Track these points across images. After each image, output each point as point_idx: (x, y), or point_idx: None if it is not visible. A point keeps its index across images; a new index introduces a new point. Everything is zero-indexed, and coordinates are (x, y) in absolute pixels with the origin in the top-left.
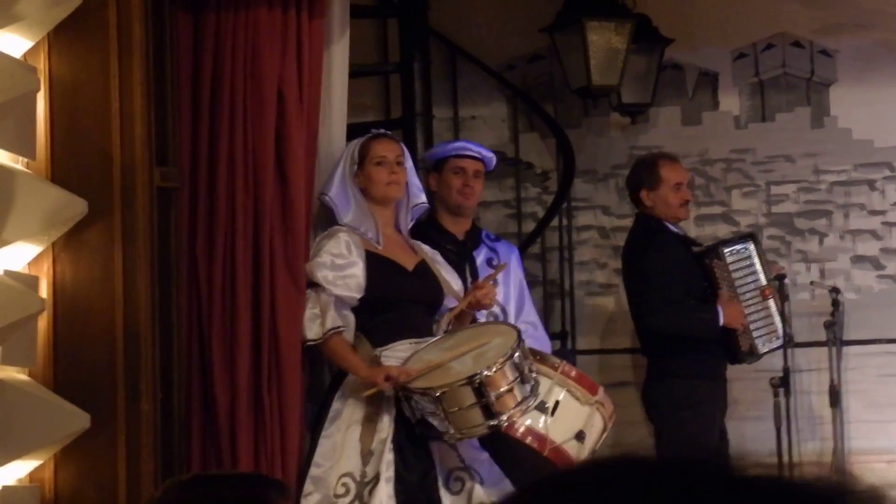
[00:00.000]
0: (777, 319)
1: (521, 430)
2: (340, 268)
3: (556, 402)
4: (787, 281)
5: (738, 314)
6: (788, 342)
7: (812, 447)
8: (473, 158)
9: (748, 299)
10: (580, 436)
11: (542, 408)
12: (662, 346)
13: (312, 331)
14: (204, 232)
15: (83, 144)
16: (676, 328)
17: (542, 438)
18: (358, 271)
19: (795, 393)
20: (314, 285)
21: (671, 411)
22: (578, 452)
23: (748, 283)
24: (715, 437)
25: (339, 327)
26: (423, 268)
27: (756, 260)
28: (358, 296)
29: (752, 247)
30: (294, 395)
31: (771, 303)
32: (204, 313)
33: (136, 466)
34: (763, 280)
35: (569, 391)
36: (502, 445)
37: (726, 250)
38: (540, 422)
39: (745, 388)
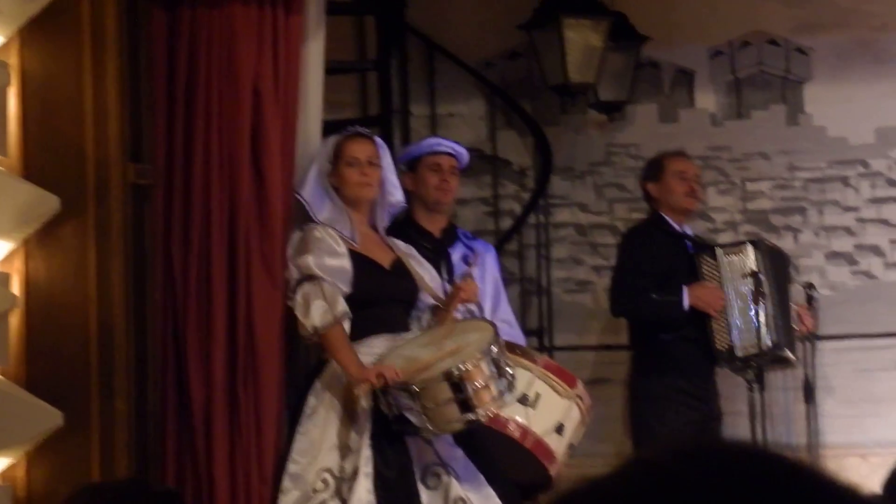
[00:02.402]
0: (764, 325)
1: (505, 421)
2: (333, 261)
3: (537, 395)
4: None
5: (709, 296)
6: (768, 354)
7: (787, 442)
8: (448, 155)
9: (737, 301)
10: (559, 428)
11: (523, 400)
12: (641, 341)
13: (320, 318)
14: (179, 229)
15: (56, 140)
16: (638, 314)
17: (524, 430)
18: (347, 265)
19: (770, 388)
20: (307, 279)
21: (635, 406)
22: (558, 445)
23: (738, 285)
24: (681, 433)
25: (349, 314)
26: (400, 265)
27: (750, 263)
28: (348, 290)
29: (750, 249)
30: (270, 391)
31: (760, 308)
32: (179, 310)
33: (109, 465)
34: (752, 285)
35: (549, 384)
36: (477, 442)
37: (720, 250)
38: (521, 414)
39: (720, 382)
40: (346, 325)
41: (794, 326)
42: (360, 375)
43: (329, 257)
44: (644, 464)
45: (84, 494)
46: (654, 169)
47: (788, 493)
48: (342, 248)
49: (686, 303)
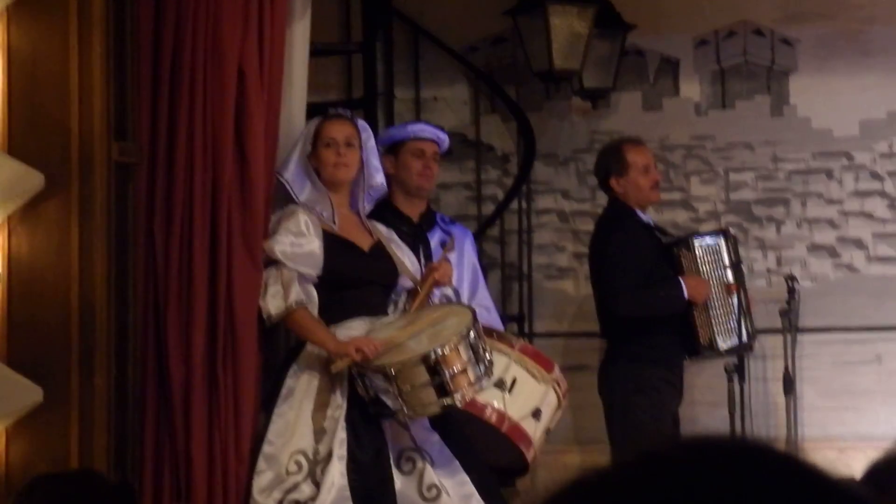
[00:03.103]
0: (742, 316)
1: (481, 405)
2: (300, 245)
3: (514, 380)
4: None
5: (701, 286)
6: (746, 344)
7: (766, 434)
8: (431, 141)
9: (715, 293)
10: (536, 413)
11: (500, 385)
12: (619, 330)
13: (275, 305)
14: (162, 208)
15: (41, 117)
16: (643, 310)
17: (500, 415)
18: (316, 248)
19: (750, 379)
20: (274, 263)
21: (622, 394)
22: (535, 430)
23: (714, 278)
24: (667, 423)
25: (302, 301)
26: (379, 248)
27: (725, 256)
28: (316, 273)
29: (722, 242)
30: (249, 372)
31: (735, 300)
32: (160, 289)
33: (88, 441)
34: (730, 277)
35: (526, 369)
36: (452, 426)
37: (696, 242)
38: (498, 399)
39: (700, 372)
40: (311, 309)
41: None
42: (339, 349)
43: (295, 241)
44: (653, 456)
45: (37, 485)
46: (617, 163)
47: (797, 489)
48: (312, 231)
49: (686, 294)
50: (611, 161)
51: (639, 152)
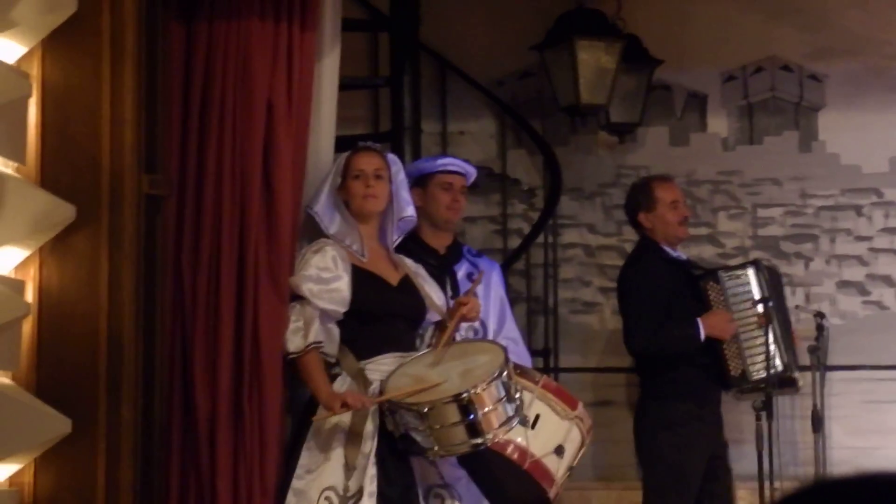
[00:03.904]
0: (774, 348)
1: (503, 442)
2: (326, 281)
3: (537, 416)
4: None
5: (724, 323)
6: (782, 375)
7: (794, 472)
8: (459, 174)
9: (745, 325)
10: (559, 450)
11: (523, 421)
12: (647, 366)
13: (294, 343)
14: (190, 240)
15: (73, 150)
16: (657, 348)
17: (522, 451)
18: (343, 285)
19: (778, 417)
20: (299, 298)
21: (650, 431)
22: (557, 467)
23: (745, 310)
24: (695, 460)
25: (319, 342)
26: (407, 282)
27: (755, 288)
28: (343, 310)
29: (752, 273)
30: (274, 405)
31: (768, 332)
32: (187, 321)
33: (115, 473)
34: (760, 309)
35: (549, 405)
36: (480, 464)
37: (724, 275)
38: (520, 435)
39: (728, 410)
40: (328, 349)
41: (794, 345)
42: (328, 401)
43: (323, 277)
44: (826, 487)
45: None
46: (645, 198)
47: None
48: (341, 267)
49: (703, 335)
50: (640, 197)
51: (667, 188)
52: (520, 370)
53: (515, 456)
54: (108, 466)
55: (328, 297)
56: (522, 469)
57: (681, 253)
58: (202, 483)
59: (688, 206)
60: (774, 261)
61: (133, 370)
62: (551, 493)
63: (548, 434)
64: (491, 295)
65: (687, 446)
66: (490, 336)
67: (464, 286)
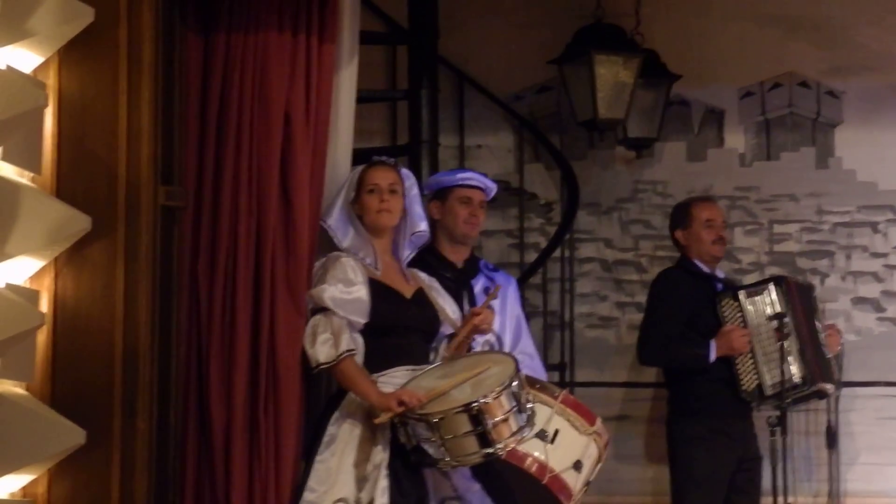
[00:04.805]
0: (790, 366)
1: (523, 456)
2: (348, 292)
3: (556, 431)
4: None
5: (734, 341)
6: (797, 389)
7: (808, 488)
8: (479, 188)
9: (763, 341)
10: (577, 465)
11: (542, 436)
12: (672, 382)
13: (325, 353)
14: (206, 252)
15: (89, 161)
16: (664, 363)
17: (542, 466)
18: (364, 295)
19: (792, 433)
20: (322, 310)
21: (678, 447)
22: (575, 482)
23: (761, 325)
24: (722, 475)
25: (352, 350)
26: (421, 296)
27: (773, 303)
28: (364, 320)
29: (772, 289)
30: (290, 417)
31: (787, 346)
32: (203, 333)
33: (129, 484)
34: (776, 324)
35: (568, 420)
36: (494, 476)
37: (741, 292)
38: (539, 449)
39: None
40: (358, 358)
41: (826, 355)
42: (382, 403)
43: (344, 288)
44: None
45: None
46: (683, 216)
47: None
48: (360, 278)
49: (713, 356)
50: (678, 214)
51: (704, 208)
52: (539, 385)
53: (534, 470)
54: (123, 478)
55: (351, 307)
56: (541, 483)
57: (719, 271)
58: (217, 495)
59: (725, 228)
60: (790, 277)
61: (148, 381)
62: None
63: (566, 449)
64: (507, 310)
65: (710, 461)
66: (505, 350)
67: (481, 300)
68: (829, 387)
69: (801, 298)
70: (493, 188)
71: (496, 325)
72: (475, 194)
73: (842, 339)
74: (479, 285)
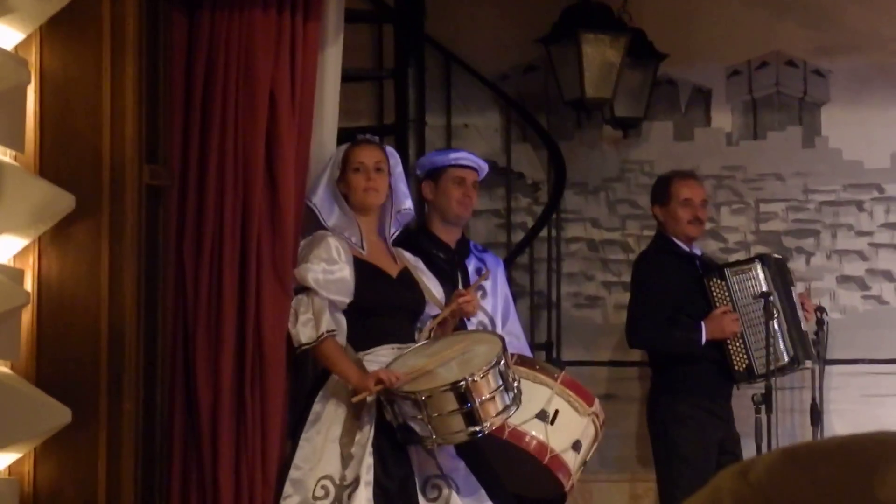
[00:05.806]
0: (780, 342)
1: (523, 436)
2: (332, 272)
3: (556, 412)
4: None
5: (724, 324)
6: (792, 366)
7: None
8: (472, 169)
9: (751, 321)
10: (576, 445)
11: (542, 416)
12: (657, 362)
13: (306, 334)
14: (192, 231)
15: (73, 139)
16: (656, 346)
17: (542, 446)
18: (347, 275)
19: (777, 411)
20: (305, 290)
21: (663, 426)
22: (574, 462)
23: (749, 305)
24: (710, 454)
25: (332, 331)
26: (407, 275)
27: (759, 282)
28: (348, 300)
29: (758, 267)
30: (277, 397)
31: (775, 324)
32: (189, 313)
33: (116, 464)
34: (764, 305)
35: (568, 401)
36: (479, 455)
37: (728, 271)
38: (540, 430)
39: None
40: (340, 339)
41: (805, 331)
42: (360, 383)
43: (327, 267)
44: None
45: None
46: (662, 192)
47: None
48: (344, 257)
49: (704, 339)
50: (657, 190)
51: (683, 185)
52: (539, 366)
53: (535, 450)
54: (110, 457)
55: (334, 287)
56: (542, 463)
57: (696, 248)
58: (204, 475)
59: (705, 208)
60: (776, 255)
61: (134, 361)
62: (567, 487)
63: (566, 430)
64: (497, 292)
65: (699, 439)
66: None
67: (474, 280)
68: (809, 363)
69: (781, 274)
70: (485, 168)
71: (489, 307)
72: (468, 174)
73: (816, 307)
74: (471, 266)
